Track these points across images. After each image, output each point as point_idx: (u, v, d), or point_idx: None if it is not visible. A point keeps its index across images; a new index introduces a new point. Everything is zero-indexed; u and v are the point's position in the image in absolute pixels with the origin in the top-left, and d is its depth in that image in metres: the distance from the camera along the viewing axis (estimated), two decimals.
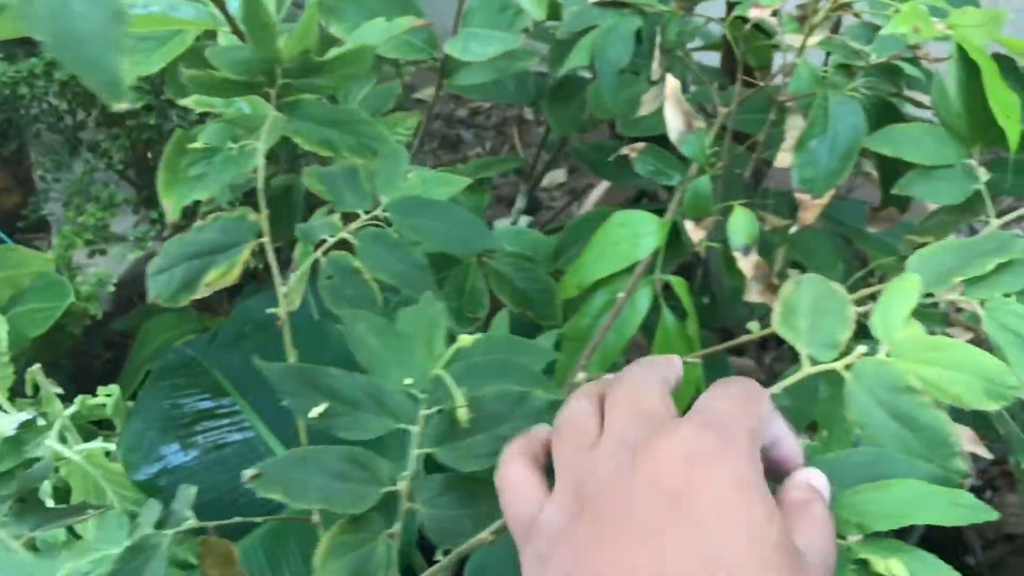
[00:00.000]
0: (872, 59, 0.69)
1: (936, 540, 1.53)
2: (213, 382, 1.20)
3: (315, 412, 0.50)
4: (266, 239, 0.66)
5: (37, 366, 1.16)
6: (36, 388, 1.18)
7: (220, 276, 0.67)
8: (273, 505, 0.98)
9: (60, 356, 1.41)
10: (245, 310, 1.32)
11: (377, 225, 0.67)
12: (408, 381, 0.51)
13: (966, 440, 0.70)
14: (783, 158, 0.66)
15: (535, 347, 0.55)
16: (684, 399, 0.73)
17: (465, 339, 0.52)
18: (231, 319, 1.28)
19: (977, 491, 1.40)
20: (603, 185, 1.57)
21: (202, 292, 0.67)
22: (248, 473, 0.48)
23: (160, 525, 0.58)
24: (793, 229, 0.64)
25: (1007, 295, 0.49)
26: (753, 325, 0.57)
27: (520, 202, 1.18)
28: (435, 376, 0.51)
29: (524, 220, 1.53)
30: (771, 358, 1.06)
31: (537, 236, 1.03)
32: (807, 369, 0.45)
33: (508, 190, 2.36)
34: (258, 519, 0.67)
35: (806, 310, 0.46)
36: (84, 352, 1.53)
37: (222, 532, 1.10)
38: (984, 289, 0.50)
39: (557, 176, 2.39)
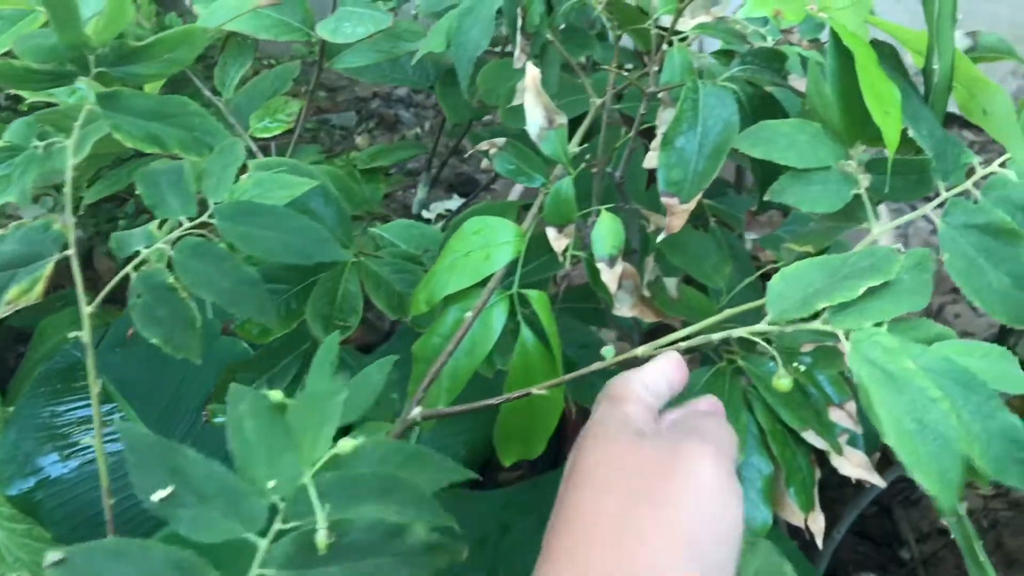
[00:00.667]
0: (762, 44, 0.62)
1: (869, 533, 1.48)
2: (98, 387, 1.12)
3: (157, 496, 0.41)
4: (71, 251, 0.58)
5: None
6: None
7: (22, 294, 0.59)
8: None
9: None
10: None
11: (203, 235, 0.60)
12: (271, 484, 0.42)
13: (856, 465, 0.64)
14: (651, 159, 0.59)
15: (438, 462, 0.45)
16: (549, 428, 0.67)
17: (346, 445, 0.43)
18: (122, 318, 1.20)
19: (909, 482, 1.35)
20: None
21: (4, 311, 0.59)
22: (50, 558, 0.40)
23: None
24: (661, 237, 0.57)
25: (878, 324, 0.43)
26: (607, 351, 0.50)
27: (421, 191, 1.10)
28: (302, 485, 0.42)
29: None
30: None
31: (427, 231, 0.95)
32: None
33: (447, 171, 2.28)
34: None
35: None
36: None
37: None
38: (853, 316, 0.43)
39: None
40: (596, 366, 0.50)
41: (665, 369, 0.47)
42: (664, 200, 0.57)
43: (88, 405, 1.11)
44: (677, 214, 0.57)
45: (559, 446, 1.23)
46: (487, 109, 0.98)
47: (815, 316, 0.45)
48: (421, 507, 0.41)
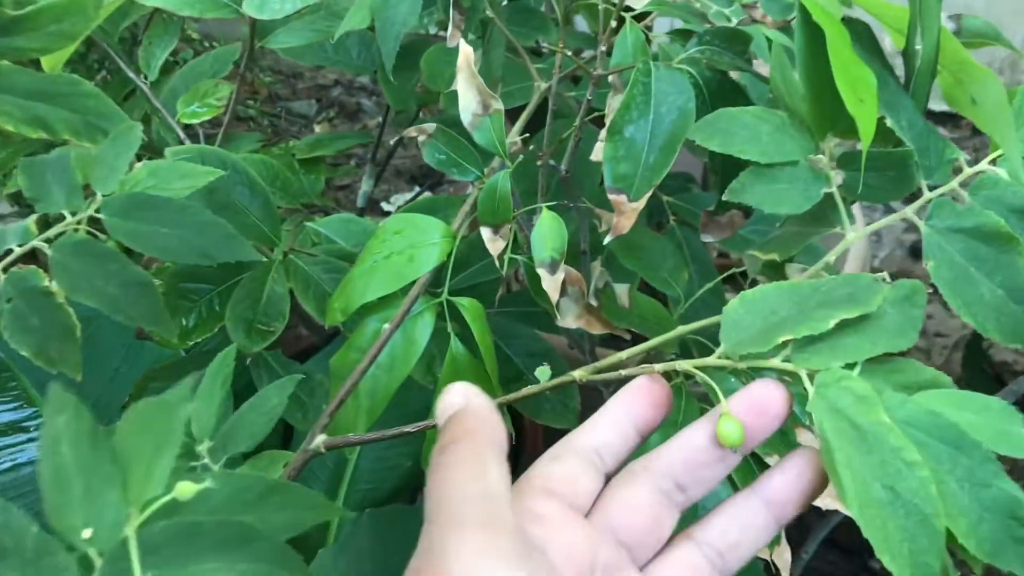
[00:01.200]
0: (725, 24, 0.56)
1: (839, 542, 1.42)
2: (20, 389, 1.04)
3: None
4: None
5: None
6: None
7: None
8: None
9: None
10: None
11: (90, 232, 0.52)
12: (87, 535, 0.33)
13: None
14: (598, 150, 0.52)
15: (303, 499, 0.36)
16: None
17: (185, 489, 0.34)
18: None
19: None
20: None
21: None
22: None
23: None
24: (608, 240, 0.51)
25: (849, 366, 0.36)
26: (542, 372, 0.44)
27: (366, 184, 1.03)
28: (123, 539, 0.33)
29: (352, 216, 1.36)
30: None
31: (369, 226, 0.88)
32: None
33: (409, 163, 2.21)
34: None
35: None
36: None
37: None
38: (821, 354, 0.36)
39: None
40: (529, 391, 0.43)
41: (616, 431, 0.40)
42: (611, 197, 0.50)
43: (13, 408, 1.03)
44: (626, 213, 0.50)
45: (515, 458, 1.16)
46: (434, 95, 0.91)
47: (778, 348, 0.38)
48: (278, 562, 0.33)
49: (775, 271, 0.61)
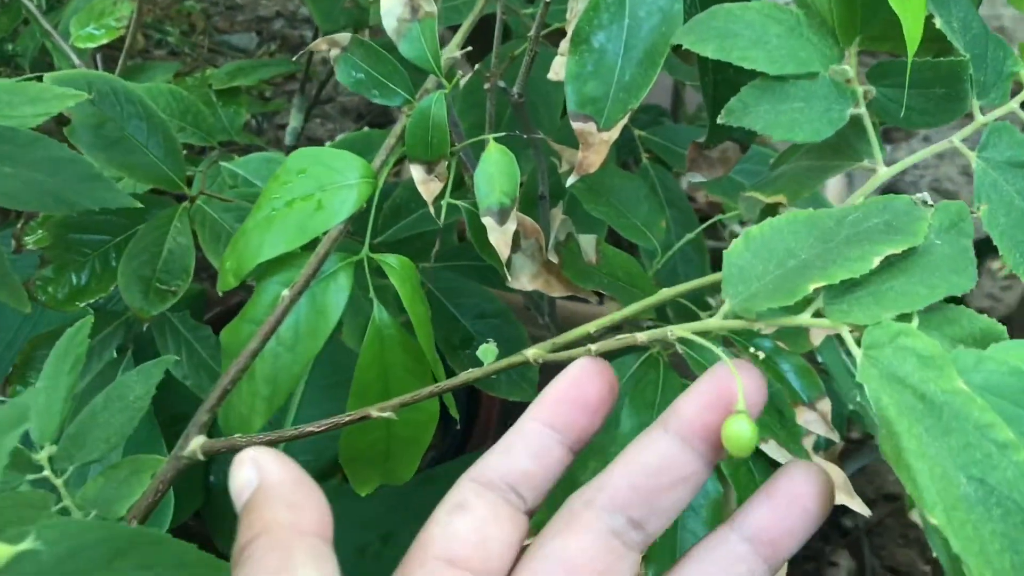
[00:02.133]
0: None
1: None
2: None
3: None
4: None
5: None
6: None
7: None
8: None
9: None
10: None
11: None
12: None
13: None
14: (558, 65, 0.41)
15: (179, 554, 0.27)
16: (420, 444, 0.50)
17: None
18: None
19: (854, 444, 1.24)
20: None
21: None
22: None
23: None
24: (571, 181, 0.40)
25: (903, 316, 0.26)
26: (486, 351, 0.33)
27: (295, 119, 0.91)
28: None
29: (273, 154, 1.23)
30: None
31: None
32: None
33: (357, 99, 2.07)
34: None
35: None
36: None
37: None
38: (863, 304, 0.26)
39: None
40: (474, 373, 0.33)
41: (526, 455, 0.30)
42: (576, 126, 0.39)
43: None
44: (594, 146, 0.39)
45: (467, 429, 1.06)
46: (367, 14, 0.79)
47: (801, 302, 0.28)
48: None
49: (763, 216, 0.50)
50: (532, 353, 0.33)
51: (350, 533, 0.70)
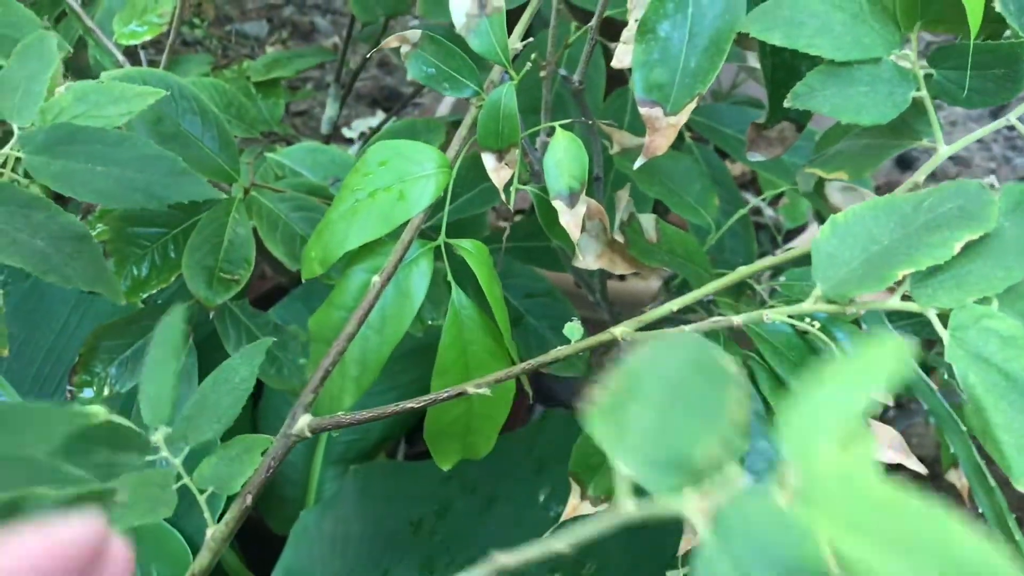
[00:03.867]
0: None
1: None
2: None
3: None
4: None
5: None
6: None
7: None
8: None
9: None
10: None
11: (11, 177, 0.42)
12: None
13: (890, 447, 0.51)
14: (622, 53, 0.43)
15: None
16: (497, 420, 0.52)
17: None
18: None
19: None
20: None
21: None
22: None
23: None
24: (637, 163, 0.42)
25: (984, 299, 0.28)
26: (572, 329, 0.35)
27: (331, 108, 0.92)
28: None
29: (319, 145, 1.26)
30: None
31: (338, 155, 0.78)
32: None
33: (370, 84, 2.08)
34: None
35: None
36: None
37: None
38: (947, 288, 0.28)
39: None
40: (563, 351, 0.35)
41: None
42: (644, 111, 0.41)
43: None
44: (661, 130, 0.41)
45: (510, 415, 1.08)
46: (404, 4, 0.81)
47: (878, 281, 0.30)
48: None
49: (813, 193, 0.52)
50: (620, 331, 0.35)
51: (404, 508, 0.73)
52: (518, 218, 1.02)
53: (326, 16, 2.24)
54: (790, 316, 0.31)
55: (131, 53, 0.80)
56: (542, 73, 0.49)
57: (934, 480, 1.28)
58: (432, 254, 0.43)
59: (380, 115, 1.88)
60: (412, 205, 0.42)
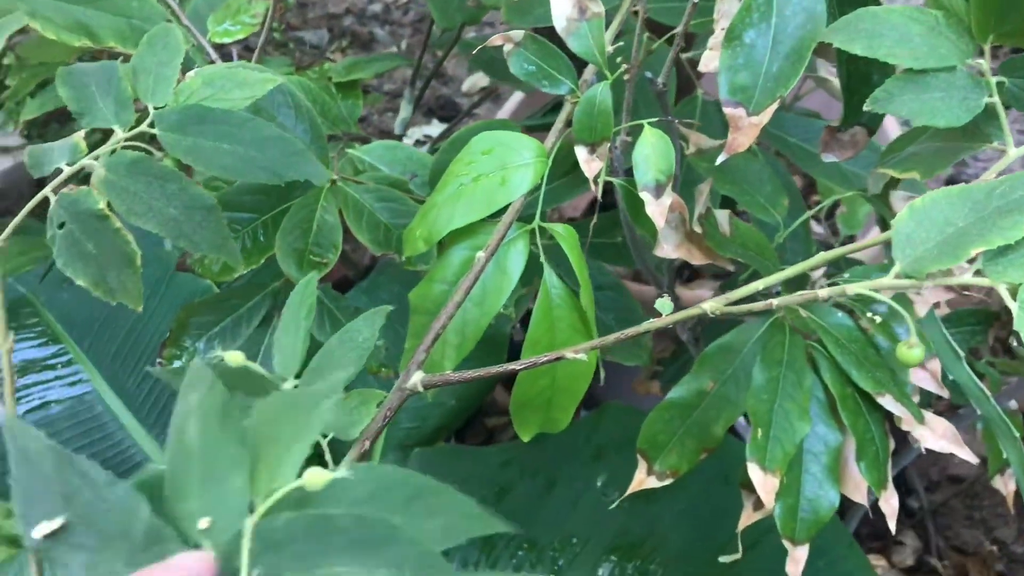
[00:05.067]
0: None
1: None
2: (44, 326, 1.00)
3: (41, 530, 0.28)
4: None
5: None
6: None
7: None
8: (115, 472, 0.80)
9: None
10: None
11: (145, 149, 0.47)
12: (204, 524, 0.29)
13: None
14: (709, 59, 0.47)
15: (457, 505, 0.30)
16: (577, 394, 0.56)
17: (315, 478, 0.29)
18: None
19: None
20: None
21: None
22: None
23: None
24: (720, 159, 0.46)
25: None
26: (663, 305, 0.39)
27: (405, 111, 0.97)
28: (240, 531, 0.28)
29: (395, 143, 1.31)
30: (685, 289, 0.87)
31: (414, 153, 0.83)
32: None
33: (430, 94, 2.14)
34: None
35: None
36: None
37: None
38: (1016, 265, 0.32)
39: (479, 80, 2.16)
40: (655, 323, 0.38)
41: None
42: (728, 112, 0.45)
43: (32, 347, 0.99)
44: (743, 129, 0.45)
45: None
46: (483, 12, 0.85)
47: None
48: (426, 571, 0.27)
49: (877, 199, 0.56)
50: (710, 306, 0.38)
51: (464, 490, 0.76)
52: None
53: (384, 27, 2.30)
54: (871, 290, 0.34)
55: (221, 51, 0.85)
56: (626, 76, 0.53)
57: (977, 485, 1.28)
58: (528, 236, 0.47)
59: (435, 123, 1.93)
60: (513, 190, 0.46)
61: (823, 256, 0.39)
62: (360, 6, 2.38)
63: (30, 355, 0.98)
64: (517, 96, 1.37)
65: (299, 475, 0.28)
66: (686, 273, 1.06)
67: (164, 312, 0.99)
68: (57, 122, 1.44)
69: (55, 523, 0.28)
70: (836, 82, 0.56)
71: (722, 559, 0.73)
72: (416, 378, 0.40)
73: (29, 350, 0.99)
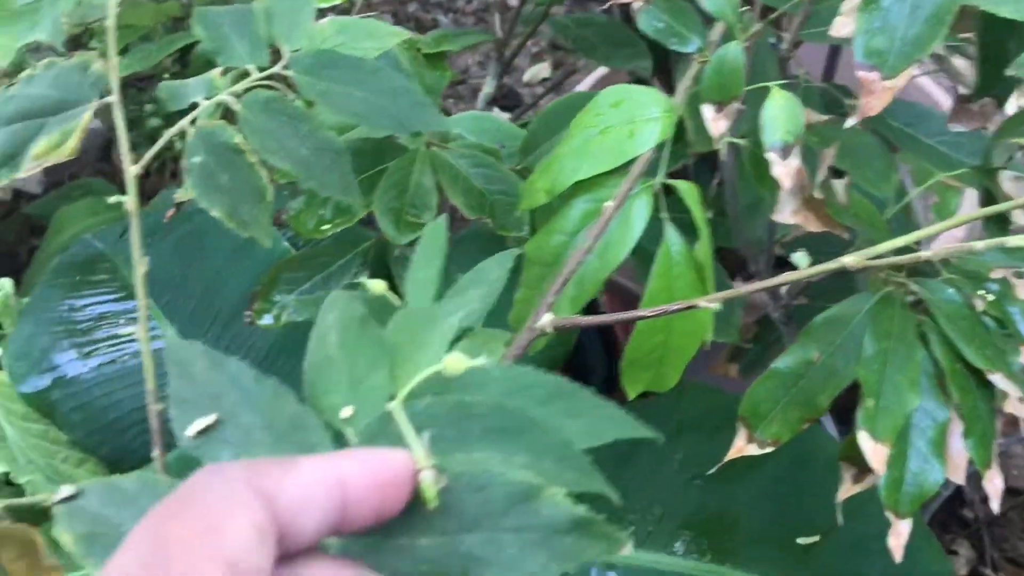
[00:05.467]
0: None
1: None
2: (122, 281, 1.02)
3: (194, 428, 0.30)
4: (114, 98, 0.47)
5: None
6: None
7: (52, 148, 0.48)
8: None
9: None
10: (169, 196, 1.12)
11: (277, 89, 0.48)
12: (346, 413, 0.30)
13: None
14: (841, 24, 0.46)
15: (599, 409, 0.30)
16: (687, 353, 0.56)
17: (455, 362, 0.29)
18: (152, 206, 1.10)
19: None
20: (592, 78, 1.37)
21: (29, 167, 0.48)
22: (61, 492, 0.29)
23: None
24: (849, 122, 0.46)
25: None
26: (800, 258, 0.39)
27: (489, 86, 0.98)
28: (384, 413, 0.29)
29: (487, 113, 1.32)
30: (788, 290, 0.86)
31: (503, 124, 0.83)
32: None
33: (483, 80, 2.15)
34: None
35: None
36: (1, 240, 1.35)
37: (111, 463, 0.93)
38: None
39: (541, 70, 2.17)
40: (790, 276, 0.39)
41: (322, 492, 0.25)
42: (860, 75, 0.45)
43: (109, 301, 1.00)
44: (877, 92, 0.45)
45: (610, 379, 1.12)
46: None
47: None
48: (565, 461, 0.27)
49: (985, 176, 0.55)
50: (851, 260, 0.38)
51: None
52: None
53: (448, 15, 2.32)
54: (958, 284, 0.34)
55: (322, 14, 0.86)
56: (746, 43, 0.53)
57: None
58: (651, 190, 0.47)
59: (497, 112, 1.94)
60: (641, 143, 0.46)
61: (936, 227, 0.39)
62: None
63: (109, 309, 1.00)
64: (591, 78, 1.38)
65: None
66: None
67: (240, 274, 1.00)
68: (134, 87, 1.47)
69: (207, 420, 0.29)
70: (955, 60, 0.56)
71: (800, 541, 0.73)
72: (546, 319, 0.41)
73: (108, 304, 1.00)
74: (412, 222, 0.69)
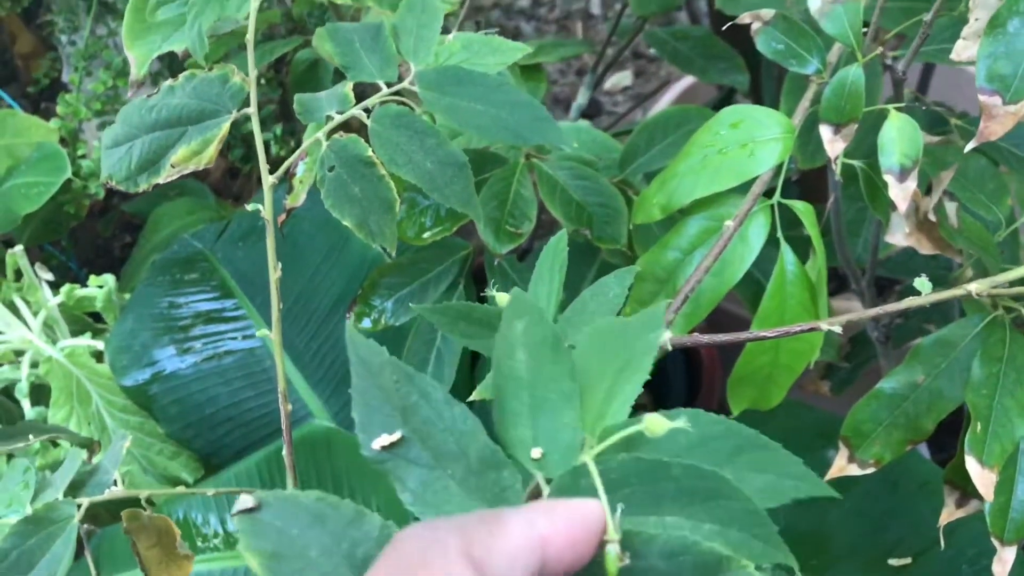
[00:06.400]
0: None
1: None
2: (219, 280, 1.06)
3: (380, 443, 0.29)
4: (252, 108, 0.49)
5: (19, 248, 1.02)
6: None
7: (191, 155, 0.50)
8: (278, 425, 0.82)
9: (61, 237, 1.27)
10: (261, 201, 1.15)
11: (404, 103, 0.50)
12: (536, 455, 0.29)
13: None
14: (963, 48, 0.47)
15: (782, 461, 0.30)
16: (795, 372, 0.56)
17: (656, 424, 0.28)
18: (243, 212, 1.13)
19: None
20: (678, 87, 1.37)
21: (168, 174, 0.51)
22: (242, 503, 0.28)
23: (74, 489, 0.43)
24: (969, 147, 0.46)
25: None
26: (922, 283, 0.39)
27: (582, 97, 0.99)
28: (579, 466, 0.29)
29: (584, 125, 1.34)
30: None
31: (601, 137, 0.85)
32: None
33: (570, 91, 2.16)
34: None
35: None
36: (96, 235, 1.40)
37: (204, 457, 0.96)
38: None
39: (622, 79, 2.18)
40: (915, 301, 0.39)
41: (526, 554, 0.25)
42: (982, 99, 0.45)
43: (207, 299, 1.04)
44: (998, 117, 0.45)
45: (690, 395, 1.12)
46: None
47: None
48: (752, 528, 0.27)
49: None
50: (975, 287, 0.39)
51: None
52: None
53: (530, 22, 2.34)
54: None
55: None
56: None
57: None
58: (769, 210, 0.48)
59: (582, 122, 1.95)
60: (761, 163, 0.47)
61: None
62: (507, 1, 2.41)
63: (205, 307, 1.03)
64: (672, 92, 1.38)
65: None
66: (832, 285, 1.05)
67: (335, 277, 1.03)
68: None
69: (394, 436, 0.29)
70: None
71: (892, 562, 0.73)
72: (665, 336, 0.42)
73: (205, 302, 1.04)
74: (511, 232, 0.71)
